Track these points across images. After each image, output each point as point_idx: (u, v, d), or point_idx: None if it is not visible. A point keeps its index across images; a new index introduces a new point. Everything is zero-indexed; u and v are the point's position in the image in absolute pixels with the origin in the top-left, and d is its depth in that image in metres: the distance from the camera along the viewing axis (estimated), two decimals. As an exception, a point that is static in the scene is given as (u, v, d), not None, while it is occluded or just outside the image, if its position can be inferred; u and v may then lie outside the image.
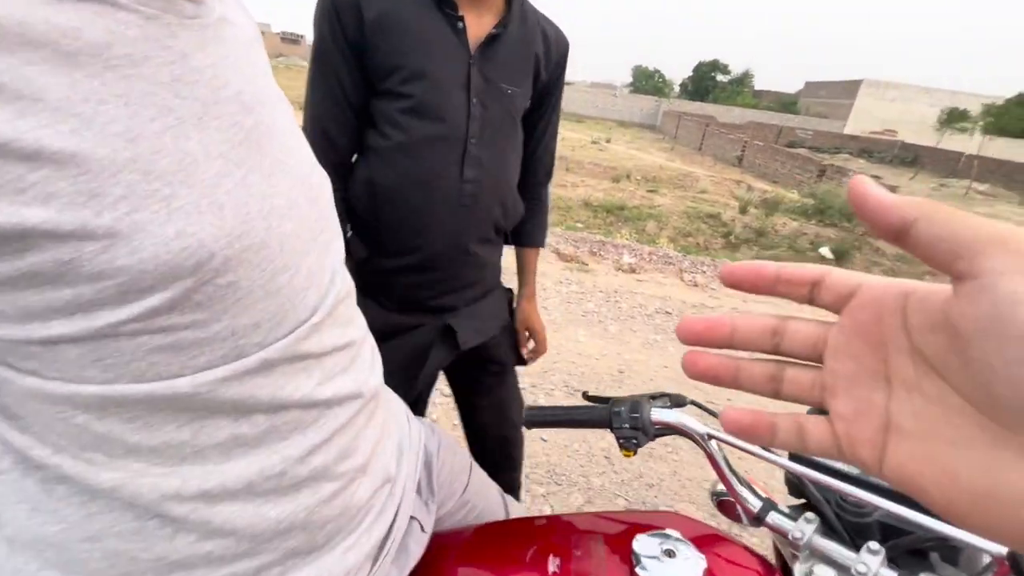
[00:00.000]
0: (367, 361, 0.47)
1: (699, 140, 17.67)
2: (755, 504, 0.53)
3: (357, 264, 0.87)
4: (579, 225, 6.18)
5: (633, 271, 4.50)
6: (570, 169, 9.91)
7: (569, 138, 15.88)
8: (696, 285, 4.42)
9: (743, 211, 6.89)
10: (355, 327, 0.45)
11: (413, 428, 0.61)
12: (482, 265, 0.92)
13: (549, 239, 5.53)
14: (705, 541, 0.54)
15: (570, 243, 4.87)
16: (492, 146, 0.85)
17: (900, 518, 0.44)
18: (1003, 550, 0.38)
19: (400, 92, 0.78)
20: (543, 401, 2.06)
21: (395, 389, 0.92)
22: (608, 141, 16.18)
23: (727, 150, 15.44)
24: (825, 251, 6.25)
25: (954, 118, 25.24)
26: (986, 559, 0.39)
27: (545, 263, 4.14)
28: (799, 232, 6.52)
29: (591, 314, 3.08)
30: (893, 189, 9.13)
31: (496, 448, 1.07)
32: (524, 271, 1.06)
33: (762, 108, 38.15)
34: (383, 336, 0.89)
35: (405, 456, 0.54)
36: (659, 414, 0.59)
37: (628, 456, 0.60)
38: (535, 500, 1.46)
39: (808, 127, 26.37)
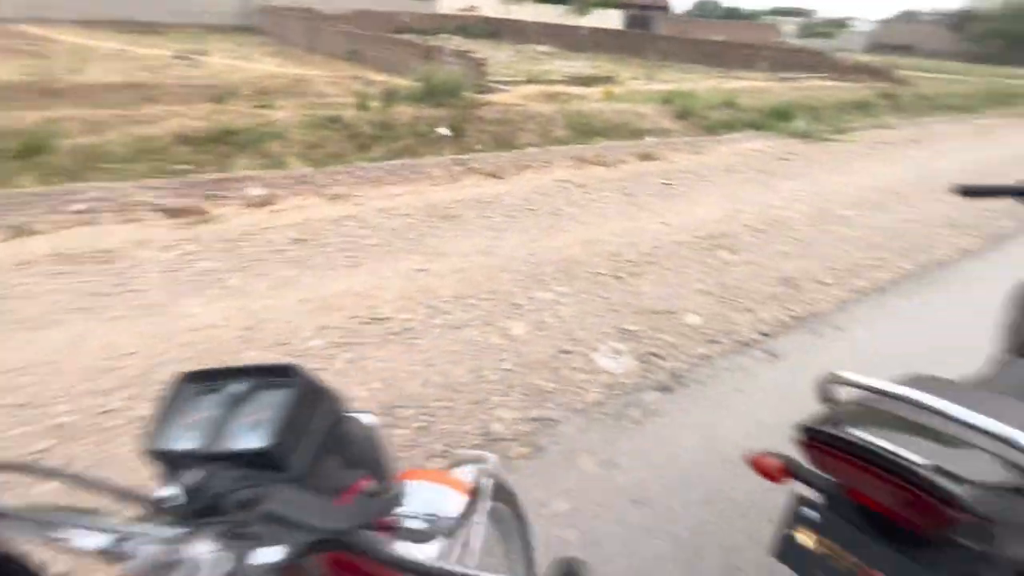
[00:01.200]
0: None
1: (307, 39, 16.28)
2: None
3: None
4: (182, 167, 5.06)
5: (268, 204, 4.01)
6: (152, 99, 7.82)
7: (143, 57, 12.38)
8: (339, 197, 4.27)
9: (363, 108, 6.82)
10: None
11: None
12: None
13: (145, 197, 4.31)
14: None
15: (176, 193, 3.95)
16: None
17: None
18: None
19: None
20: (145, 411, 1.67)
21: None
22: (204, 54, 13.31)
23: (338, 45, 14.75)
24: (443, 130, 6.84)
25: (509, -12, 29.76)
26: None
27: (147, 228, 3.22)
28: (418, 118, 6.91)
29: (207, 275, 2.62)
30: (483, 61, 10.35)
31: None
32: None
33: (364, -6, 37.13)
34: None
35: None
36: None
37: None
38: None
39: (411, 10, 27.33)
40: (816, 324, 2.61)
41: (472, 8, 29.29)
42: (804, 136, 7.41)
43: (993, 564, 0.63)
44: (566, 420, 1.85)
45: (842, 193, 4.79)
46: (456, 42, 16.61)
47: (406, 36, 16.37)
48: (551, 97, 9.74)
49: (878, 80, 13.46)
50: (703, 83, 11.48)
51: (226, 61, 12.72)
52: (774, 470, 0.81)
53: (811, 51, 19.45)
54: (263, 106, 7.20)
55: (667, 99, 8.67)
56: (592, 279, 2.93)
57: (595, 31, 22.63)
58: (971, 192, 1.43)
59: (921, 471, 0.57)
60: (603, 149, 6.55)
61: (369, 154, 6.01)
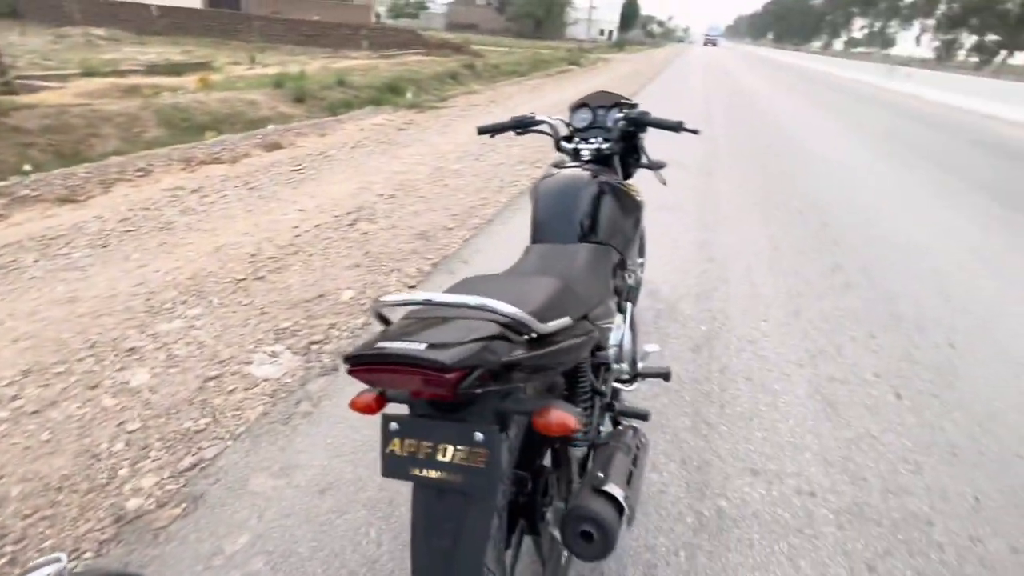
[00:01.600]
0: None
1: None
2: None
3: None
4: None
5: None
6: None
7: None
8: None
9: None
10: None
11: None
12: None
13: None
14: None
15: None
16: None
17: None
18: None
19: None
20: None
21: None
22: None
23: None
24: (-52, 153, 4.74)
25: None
26: None
27: None
28: None
29: None
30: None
31: None
32: None
33: None
34: None
35: None
36: None
37: None
38: None
39: None
40: (449, 264, 3.03)
41: (-48, -24, 20.66)
42: (415, 106, 8.24)
43: (513, 396, 0.85)
44: (227, 451, 1.63)
45: (450, 151, 5.58)
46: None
47: None
48: (129, 91, 7.90)
49: (460, 54, 15.99)
50: (312, 65, 11.28)
51: None
52: (371, 403, 0.88)
53: (405, 30, 21.48)
54: None
55: (278, 83, 8.18)
56: (230, 289, 2.60)
57: (171, 10, 19.21)
58: (486, 130, 1.84)
59: (417, 354, 0.70)
60: (218, 145, 5.76)
61: None
